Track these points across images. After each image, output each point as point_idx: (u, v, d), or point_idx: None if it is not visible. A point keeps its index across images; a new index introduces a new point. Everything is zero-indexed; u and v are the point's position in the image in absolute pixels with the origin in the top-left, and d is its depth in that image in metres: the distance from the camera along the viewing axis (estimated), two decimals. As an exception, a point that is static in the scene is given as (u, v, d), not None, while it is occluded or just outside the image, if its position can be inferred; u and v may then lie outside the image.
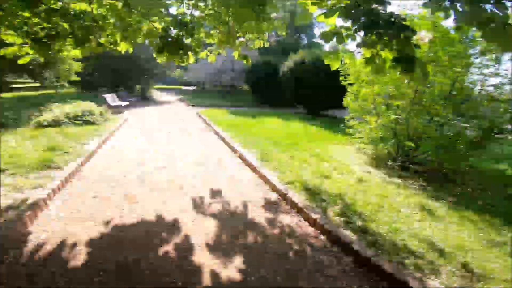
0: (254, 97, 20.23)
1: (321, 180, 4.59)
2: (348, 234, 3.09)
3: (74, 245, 2.76)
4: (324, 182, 4.51)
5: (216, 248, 2.89)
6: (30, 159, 4.62)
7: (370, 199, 3.96)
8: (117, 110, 11.79)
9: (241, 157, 6.09)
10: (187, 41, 3.84)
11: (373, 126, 5.51)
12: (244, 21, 3.17)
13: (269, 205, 3.96)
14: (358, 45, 2.31)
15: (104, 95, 11.44)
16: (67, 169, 4.48)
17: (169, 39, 3.51)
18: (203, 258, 2.71)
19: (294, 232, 3.31)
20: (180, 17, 3.40)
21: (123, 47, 3.71)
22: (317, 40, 37.81)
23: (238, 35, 4.07)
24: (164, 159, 5.77)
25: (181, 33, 3.48)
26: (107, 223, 3.21)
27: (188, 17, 3.56)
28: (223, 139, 7.75)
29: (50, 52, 2.85)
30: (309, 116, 13.29)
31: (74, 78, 9.76)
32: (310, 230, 3.37)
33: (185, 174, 4.95)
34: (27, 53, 3.10)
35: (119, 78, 17.78)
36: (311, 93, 13.06)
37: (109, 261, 2.54)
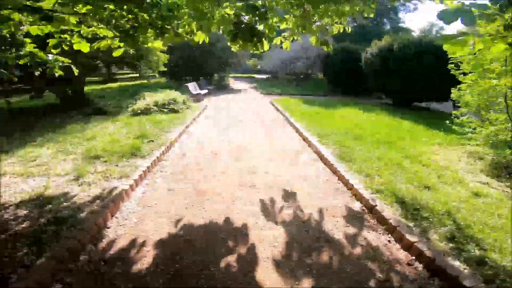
0: (330, 86, 18.88)
1: (420, 190, 3.72)
2: (458, 265, 2.38)
3: (142, 245, 2.73)
4: (424, 193, 3.64)
5: (283, 265, 2.51)
6: (121, 147, 5.02)
7: (490, 221, 3.00)
8: (197, 98, 12.44)
9: (317, 153, 5.53)
10: (260, 27, 3.49)
11: (499, 127, 4.19)
12: (321, 4, 2.60)
13: (350, 217, 3.36)
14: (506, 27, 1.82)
15: (186, 84, 12.18)
16: (149, 158, 4.71)
17: (242, 26, 3.18)
18: (267, 276, 2.37)
19: (380, 255, 2.69)
20: (251, 1, 3.03)
21: (200, 37, 3.56)
22: (402, 24, 32.88)
23: (314, 19, 3.49)
24: (238, 152, 5.66)
25: (254, 19, 3.11)
26: (177, 222, 3.14)
27: (260, 1, 3.17)
28: (297, 130, 7.27)
29: (137, 43, 2.82)
30: (396, 107, 11.57)
31: (163, 68, 10.58)
32: (403, 254, 2.71)
33: (257, 170, 4.69)
34: (119, 46, 3.16)
35: (199, 68, 18.82)
36: (400, 82, 11.27)
37: (170, 269, 2.42)
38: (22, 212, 3.01)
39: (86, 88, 14.94)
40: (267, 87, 18.82)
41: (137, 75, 11.52)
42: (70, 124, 7.13)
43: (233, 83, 23.60)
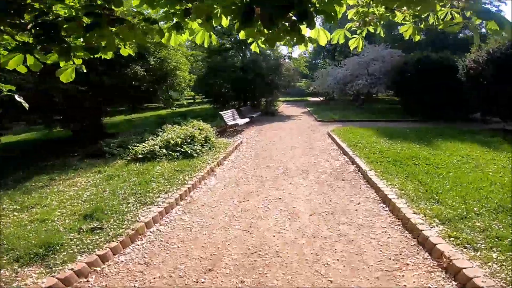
0: (403, 108, 14.41)
1: None
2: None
3: None
4: None
5: None
6: (36, 237, 2.33)
7: None
8: (234, 130, 9.67)
9: (437, 256, 1.84)
10: None
11: None
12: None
13: None
14: None
15: (221, 113, 9.55)
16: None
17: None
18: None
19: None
20: None
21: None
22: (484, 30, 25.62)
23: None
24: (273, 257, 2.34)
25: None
26: None
27: None
28: (389, 204, 3.67)
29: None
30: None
31: (189, 93, 8.31)
32: None
33: None
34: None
35: (245, 92, 16.43)
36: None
37: None
38: None
39: (111, 119, 13.59)
40: (323, 112, 15.26)
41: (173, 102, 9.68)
42: (41, 175, 4.90)
43: (283, 108, 20.60)
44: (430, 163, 5.09)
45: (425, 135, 7.79)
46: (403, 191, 3.91)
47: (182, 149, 5.95)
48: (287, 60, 19.36)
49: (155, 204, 3.82)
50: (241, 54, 22.01)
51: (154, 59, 7.34)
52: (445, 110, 11.61)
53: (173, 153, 5.86)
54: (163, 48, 7.59)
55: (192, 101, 30.16)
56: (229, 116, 9.92)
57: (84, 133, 8.33)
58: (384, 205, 3.80)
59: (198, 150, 6.08)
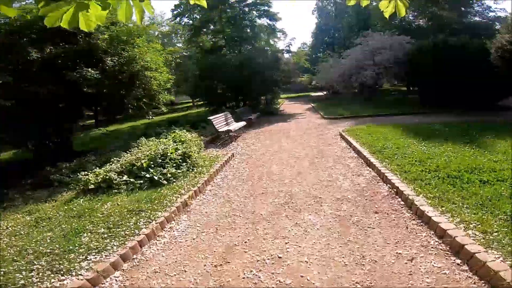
0: (420, 99, 12.56)
1: None
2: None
3: None
4: None
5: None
6: None
7: None
8: (228, 137, 8.04)
9: None
10: None
11: None
12: None
13: None
14: None
15: (211, 118, 7.92)
16: None
17: None
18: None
19: None
20: None
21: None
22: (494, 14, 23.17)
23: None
24: None
25: None
26: None
27: None
28: (457, 248, 1.97)
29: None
30: None
31: (166, 97, 6.76)
32: None
33: None
34: None
35: (240, 92, 14.79)
36: None
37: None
38: None
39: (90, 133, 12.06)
40: (329, 108, 13.49)
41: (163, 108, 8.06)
42: None
43: (285, 106, 18.86)
44: (503, 177, 3.35)
45: (466, 131, 6.01)
46: (491, 238, 2.22)
47: (147, 176, 4.32)
48: (286, 55, 17.66)
49: (73, 273, 2.25)
50: (236, 51, 20.37)
51: (114, 60, 5.73)
52: (470, 99, 9.76)
53: (136, 181, 4.25)
54: (128, 45, 6.04)
55: (191, 104, 28.69)
56: (220, 121, 8.28)
57: (49, 152, 6.81)
58: (459, 261, 2.12)
59: (170, 175, 4.43)
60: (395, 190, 3.60)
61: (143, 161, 4.60)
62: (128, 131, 12.09)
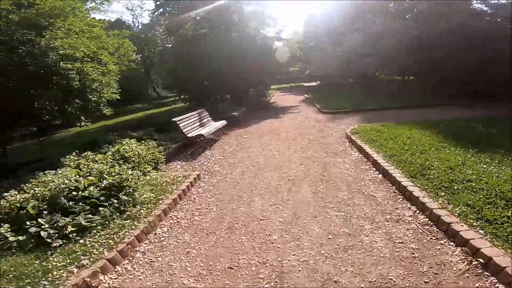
0: (420, 88, 10.74)
1: None
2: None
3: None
4: None
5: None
6: None
7: None
8: (202, 142, 6.07)
9: None
10: None
11: None
12: None
13: None
14: None
15: (176, 119, 5.91)
16: None
17: None
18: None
19: None
20: None
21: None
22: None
23: None
24: None
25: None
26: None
27: None
28: None
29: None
30: None
31: (110, 95, 4.78)
32: None
33: None
34: None
35: (226, 83, 12.75)
36: None
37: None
38: None
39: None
40: (325, 100, 11.53)
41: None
42: None
43: (277, 98, 16.82)
44: None
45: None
46: None
47: (34, 228, 2.38)
48: (277, 43, 15.45)
49: None
50: (222, 40, 18.06)
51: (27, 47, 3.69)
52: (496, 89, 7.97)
53: (17, 237, 2.31)
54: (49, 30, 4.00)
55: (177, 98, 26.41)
56: (191, 122, 6.27)
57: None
58: None
59: (74, 228, 2.48)
60: (484, 262, 1.74)
61: (30, 205, 2.64)
62: (71, 140, 9.79)
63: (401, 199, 2.97)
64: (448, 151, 3.75)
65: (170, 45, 20.22)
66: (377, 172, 3.75)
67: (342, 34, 16.97)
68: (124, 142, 4.89)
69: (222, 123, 7.08)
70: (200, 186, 3.96)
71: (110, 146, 4.86)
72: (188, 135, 5.71)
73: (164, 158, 4.97)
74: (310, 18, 36.33)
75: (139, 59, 27.95)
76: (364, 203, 2.97)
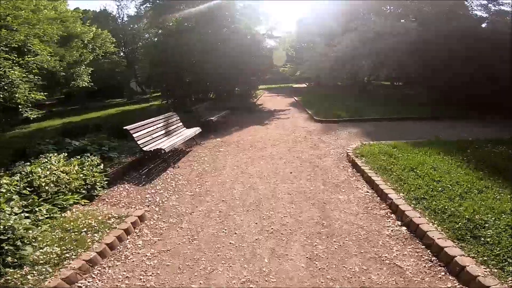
0: (414, 95, 9.81)
1: None
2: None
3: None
4: None
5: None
6: None
7: None
8: (163, 159, 4.71)
9: None
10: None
11: None
12: None
13: None
14: None
15: (129, 127, 4.50)
16: None
17: None
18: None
19: None
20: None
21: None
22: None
23: None
24: None
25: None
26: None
27: None
28: None
29: None
30: None
31: (32, 94, 3.41)
32: None
33: None
34: None
35: (210, 82, 11.37)
36: None
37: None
38: None
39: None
40: (317, 104, 10.38)
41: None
42: None
43: (264, 99, 15.55)
44: None
45: None
46: None
47: None
48: (269, 41, 14.14)
49: None
50: (205, 33, 16.56)
51: None
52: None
53: None
54: None
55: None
56: (153, 130, 4.88)
57: None
58: None
59: None
60: None
61: None
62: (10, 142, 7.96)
63: (443, 273, 1.82)
64: (497, 195, 2.63)
65: (156, 39, 18.50)
66: (399, 223, 2.57)
67: (336, 35, 15.98)
68: (46, 160, 3.47)
69: (195, 130, 5.73)
70: (141, 234, 2.64)
71: (27, 164, 3.43)
72: (145, 149, 4.33)
73: (106, 180, 3.60)
74: (303, 18, 35.25)
75: (121, 52, 25.85)
76: (387, 281, 1.77)
